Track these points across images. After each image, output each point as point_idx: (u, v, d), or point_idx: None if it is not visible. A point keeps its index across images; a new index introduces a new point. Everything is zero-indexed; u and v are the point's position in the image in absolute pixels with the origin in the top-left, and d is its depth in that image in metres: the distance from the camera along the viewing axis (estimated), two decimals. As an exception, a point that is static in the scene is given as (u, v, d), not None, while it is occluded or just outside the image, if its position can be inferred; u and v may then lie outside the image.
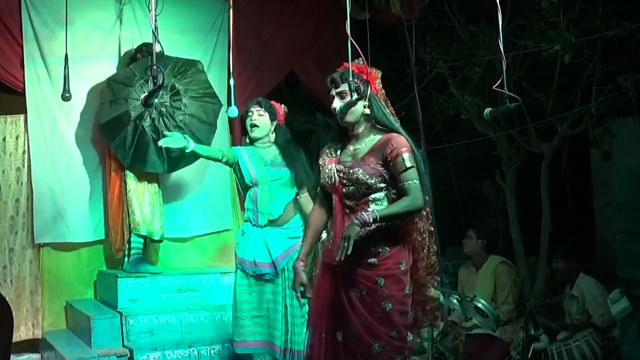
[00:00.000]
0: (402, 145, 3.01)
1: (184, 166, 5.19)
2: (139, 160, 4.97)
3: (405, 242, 3.09)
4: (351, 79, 3.07)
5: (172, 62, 5.08)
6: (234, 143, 5.75)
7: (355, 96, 3.09)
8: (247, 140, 4.49)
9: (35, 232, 5.11)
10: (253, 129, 4.36)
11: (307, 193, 4.46)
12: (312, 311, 3.22)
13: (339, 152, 3.20)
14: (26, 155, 5.17)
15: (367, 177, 3.01)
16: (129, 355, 4.50)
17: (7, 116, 5.18)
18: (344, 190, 3.08)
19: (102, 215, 5.30)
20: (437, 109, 6.38)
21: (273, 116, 4.39)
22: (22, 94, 5.16)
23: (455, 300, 4.41)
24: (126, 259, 5.11)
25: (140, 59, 5.09)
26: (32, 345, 5.13)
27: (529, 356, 4.17)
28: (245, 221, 4.38)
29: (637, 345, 4.56)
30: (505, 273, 5.19)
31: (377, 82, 3.18)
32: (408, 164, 2.97)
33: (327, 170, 3.14)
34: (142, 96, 3.76)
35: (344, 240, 2.87)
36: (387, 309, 2.96)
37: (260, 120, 4.35)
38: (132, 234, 5.08)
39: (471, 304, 4.28)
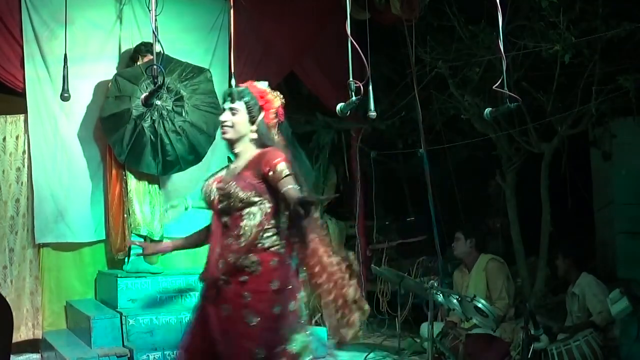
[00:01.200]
0: (278, 156, 2.99)
1: (178, 170, 5.22)
2: (134, 160, 4.98)
3: (284, 262, 3.03)
4: (352, 79, 3.06)
5: (180, 66, 5.09)
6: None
7: (354, 97, 3.08)
8: None
9: (36, 232, 5.12)
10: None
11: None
12: (186, 332, 3.21)
13: (223, 172, 3.20)
14: (26, 155, 5.17)
15: (239, 190, 3.00)
16: (129, 355, 4.49)
17: (7, 116, 5.18)
18: (220, 206, 3.08)
19: (103, 215, 5.30)
20: (437, 109, 6.38)
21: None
22: (22, 94, 5.16)
23: (455, 301, 4.40)
24: (126, 259, 5.11)
25: (149, 60, 5.08)
26: (32, 345, 5.13)
27: (529, 356, 4.17)
28: None
29: (637, 345, 4.57)
30: (496, 269, 5.18)
31: (272, 112, 3.16)
32: (286, 172, 2.94)
33: (209, 189, 3.14)
34: (143, 95, 3.78)
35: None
36: (253, 322, 2.91)
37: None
38: (132, 234, 5.08)
39: (471, 304, 4.27)
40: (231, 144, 3.16)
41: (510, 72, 5.27)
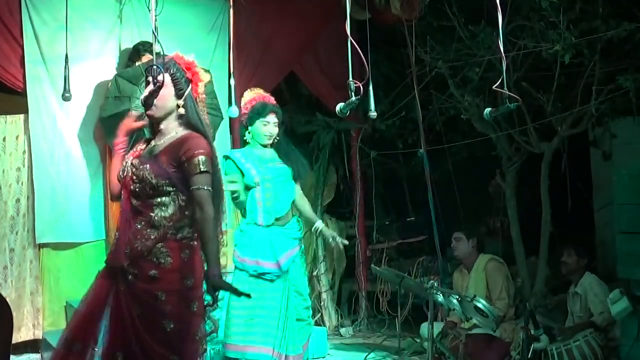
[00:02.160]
0: (199, 147, 2.75)
1: None
2: (134, 160, 4.99)
3: (198, 254, 2.80)
4: (351, 79, 3.04)
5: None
6: (233, 143, 5.76)
7: (354, 97, 3.07)
8: (246, 140, 4.44)
9: (36, 232, 5.12)
10: (269, 138, 4.34)
11: (301, 191, 4.48)
12: (75, 319, 2.84)
13: (144, 146, 2.94)
14: (26, 155, 5.17)
15: (152, 176, 2.75)
16: (129, 355, 4.49)
17: (7, 116, 5.19)
18: (132, 187, 2.80)
19: (103, 214, 5.31)
20: (437, 109, 6.38)
21: (282, 121, 4.43)
22: (22, 94, 5.16)
23: (455, 301, 4.40)
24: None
25: (148, 59, 5.08)
26: (32, 345, 5.14)
27: (529, 356, 4.17)
28: (248, 224, 4.29)
29: (637, 345, 4.56)
30: (496, 269, 5.18)
31: (201, 86, 2.97)
32: (202, 168, 2.72)
33: (124, 163, 2.88)
34: (142, 96, 3.77)
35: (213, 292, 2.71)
36: (168, 328, 2.67)
37: (277, 130, 4.36)
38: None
39: (471, 304, 4.27)
40: (156, 123, 2.90)
41: (510, 72, 5.27)
